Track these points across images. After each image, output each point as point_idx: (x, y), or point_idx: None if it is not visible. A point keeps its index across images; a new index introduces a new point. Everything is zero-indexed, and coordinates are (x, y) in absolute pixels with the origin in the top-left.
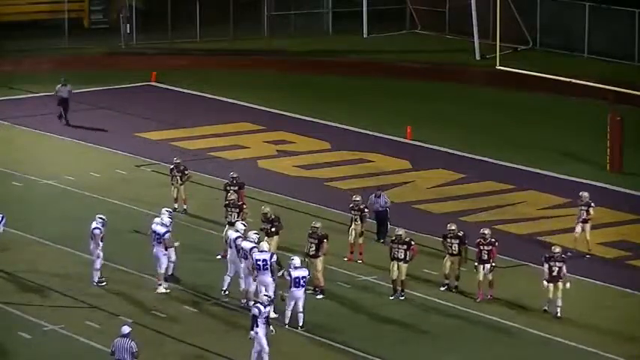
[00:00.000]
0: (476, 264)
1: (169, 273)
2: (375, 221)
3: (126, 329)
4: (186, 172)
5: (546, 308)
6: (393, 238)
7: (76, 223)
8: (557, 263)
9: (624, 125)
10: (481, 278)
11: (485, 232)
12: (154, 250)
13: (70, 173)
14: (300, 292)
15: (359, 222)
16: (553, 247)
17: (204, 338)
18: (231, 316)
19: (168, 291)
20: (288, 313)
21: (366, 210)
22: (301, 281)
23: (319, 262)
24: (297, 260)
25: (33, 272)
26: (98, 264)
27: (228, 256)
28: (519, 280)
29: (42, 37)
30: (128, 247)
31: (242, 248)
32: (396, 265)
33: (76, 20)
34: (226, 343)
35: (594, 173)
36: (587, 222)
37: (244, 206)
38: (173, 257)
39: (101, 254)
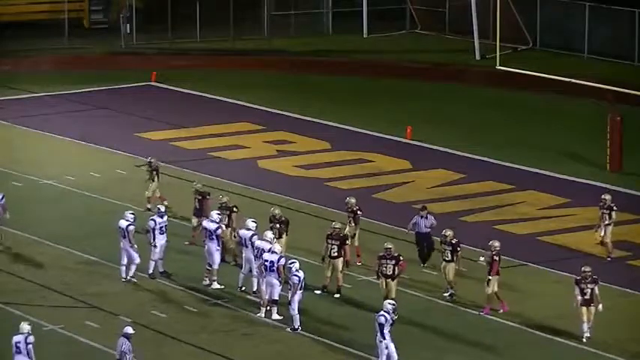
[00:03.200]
0: (490, 277)
1: (160, 270)
2: (415, 244)
3: (129, 329)
4: (159, 171)
5: (586, 335)
6: (381, 253)
7: (76, 223)
8: (589, 285)
9: (624, 125)
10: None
11: (495, 244)
12: (206, 246)
13: (70, 173)
14: (300, 294)
15: (353, 224)
16: (583, 268)
17: (204, 338)
18: (231, 316)
19: (222, 287)
20: (297, 317)
21: (359, 212)
22: (302, 283)
23: (340, 263)
24: (297, 264)
25: (33, 272)
26: (137, 258)
27: (244, 254)
28: (519, 280)
29: (42, 37)
30: None
31: (257, 247)
32: (384, 283)
33: (76, 20)
34: (226, 343)
35: (594, 173)
36: (609, 225)
37: (235, 209)
38: (158, 255)
39: (133, 251)
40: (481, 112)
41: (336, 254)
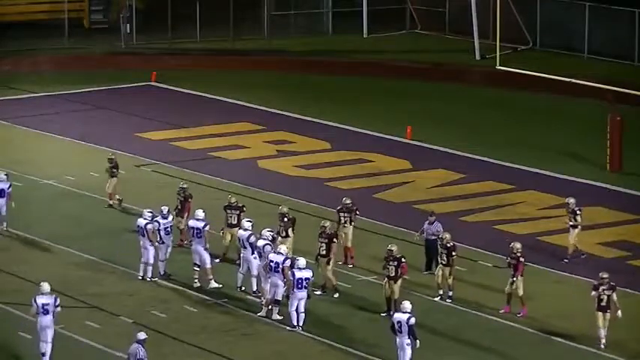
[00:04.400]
0: (514, 279)
1: (161, 272)
2: (424, 249)
3: (142, 335)
4: (118, 169)
5: (603, 342)
6: (386, 255)
7: (76, 223)
8: (606, 291)
9: (624, 125)
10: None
11: (517, 245)
12: (193, 246)
13: (70, 173)
14: (303, 294)
15: (348, 224)
16: (601, 274)
17: (204, 338)
18: (231, 316)
19: (221, 286)
20: (294, 315)
21: (357, 212)
22: (304, 282)
23: (330, 262)
24: (301, 261)
25: (33, 272)
26: (152, 258)
27: (242, 254)
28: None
29: (42, 37)
30: (128, 247)
31: (257, 246)
32: (387, 284)
33: (76, 20)
34: (226, 343)
35: (594, 173)
36: (575, 227)
37: (244, 208)
38: (162, 256)
39: (152, 249)
40: (481, 112)
41: (324, 252)
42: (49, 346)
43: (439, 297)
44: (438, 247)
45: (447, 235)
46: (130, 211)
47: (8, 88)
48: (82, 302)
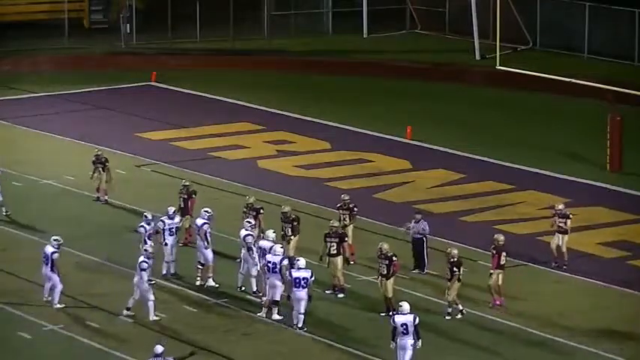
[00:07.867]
0: (490, 271)
1: (171, 272)
2: (412, 249)
3: (159, 349)
4: (107, 164)
5: None
6: (377, 253)
7: (76, 223)
8: None
9: (624, 125)
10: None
11: (500, 237)
12: (198, 244)
13: (70, 173)
14: (302, 294)
15: (347, 221)
16: None
17: (204, 338)
18: (231, 316)
19: (217, 285)
20: (296, 315)
21: (355, 209)
22: (302, 282)
23: (339, 261)
24: (301, 261)
25: (33, 272)
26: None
27: (242, 254)
28: (519, 280)
29: (42, 37)
30: (128, 247)
31: (260, 247)
32: (380, 282)
33: (76, 20)
34: (226, 342)
35: (594, 173)
36: (564, 233)
37: (262, 210)
38: (168, 257)
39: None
40: (481, 112)
41: (335, 252)
42: (151, 306)
43: (450, 317)
44: (448, 266)
45: (455, 251)
46: (131, 211)
47: (8, 88)
48: (82, 302)
